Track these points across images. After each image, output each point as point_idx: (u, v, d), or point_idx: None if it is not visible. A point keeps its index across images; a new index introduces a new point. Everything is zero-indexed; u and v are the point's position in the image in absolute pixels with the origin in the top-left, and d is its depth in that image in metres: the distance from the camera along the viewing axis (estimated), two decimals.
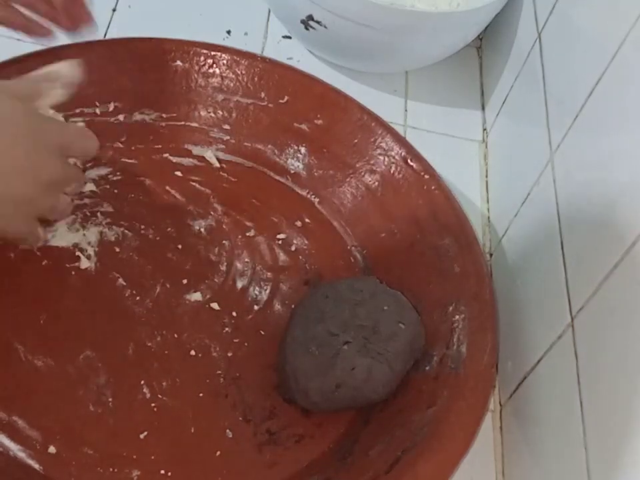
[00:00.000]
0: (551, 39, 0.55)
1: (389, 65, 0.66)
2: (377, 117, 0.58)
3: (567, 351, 0.42)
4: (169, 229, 0.55)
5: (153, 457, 0.45)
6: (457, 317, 0.50)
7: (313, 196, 0.58)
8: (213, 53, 0.59)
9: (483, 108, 0.68)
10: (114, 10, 0.67)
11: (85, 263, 0.52)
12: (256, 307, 0.52)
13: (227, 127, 0.59)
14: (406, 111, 0.67)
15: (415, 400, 0.47)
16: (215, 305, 0.52)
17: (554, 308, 0.45)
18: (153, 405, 0.47)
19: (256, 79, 0.59)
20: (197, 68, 0.59)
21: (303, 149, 0.59)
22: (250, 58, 0.60)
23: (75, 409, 0.46)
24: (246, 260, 0.54)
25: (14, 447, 0.44)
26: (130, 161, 0.57)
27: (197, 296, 0.52)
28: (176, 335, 0.50)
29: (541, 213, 0.50)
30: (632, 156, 0.39)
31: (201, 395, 0.48)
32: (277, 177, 0.59)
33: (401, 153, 0.56)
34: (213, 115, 0.60)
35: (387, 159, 0.57)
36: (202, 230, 0.55)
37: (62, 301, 0.50)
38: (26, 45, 0.61)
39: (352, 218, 0.57)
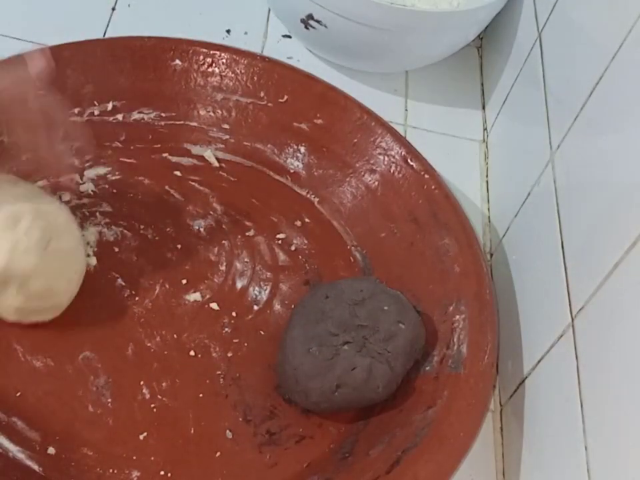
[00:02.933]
0: (551, 38, 0.54)
1: (389, 64, 0.66)
2: (377, 117, 0.58)
3: (567, 351, 0.42)
4: (168, 229, 0.55)
5: (152, 458, 0.45)
6: (457, 316, 0.50)
7: (313, 195, 0.58)
8: (212, 52, 0.59)
9: (483, 107, 0.68)
10: (113, 9, 0.67)
11: None
12: (256, 307, 0.52)
13: (226, 126, 0.59)
14: (406, 110, 0.66)
15: (415, 400, 0.47)
16: (214, 305, 0.52)
17: (554, 308, 0.45)
18: (152, 405, 0.47)
19: (255, 78, 0.59)
20: (196, 67, 0.59)
21: (302, 149, 0.59)
22: (249, 57, 0.60)
23: (74, 410, 0.46)
24: (245, 260, 0.54)
25: (13, 448, 0.44)
26: (129, 160, 0.57)
27: (196, 296, 0.52)
28: (175, 335, 0.50)
29: (541, 212, 0.50)
30: (632, 156, 0.39)
31: (200, 395, 0.48)
32: (277, 177, 0.59)
33: (401, 153, 0.56)
34: (212, 114, 0.59)
35: (386, 158, 0.57)
36: (201, 230, 0.55)
37: None
38: (25, 44, 0.61)
39: (352, 217, 0.57)
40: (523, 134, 0.58)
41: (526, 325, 0.50)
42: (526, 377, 0.48)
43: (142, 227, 0.54)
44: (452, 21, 0.60)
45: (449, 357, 0.48)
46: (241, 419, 0.48)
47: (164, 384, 0.48)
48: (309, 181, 0.58)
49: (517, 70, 0.61)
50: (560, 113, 0.50)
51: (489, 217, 0.61)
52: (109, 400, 0.47)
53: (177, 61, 0.59)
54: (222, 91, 0.59)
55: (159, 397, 0.48)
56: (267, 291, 0.53)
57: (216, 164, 0.59)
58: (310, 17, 0.61)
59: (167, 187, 0.57)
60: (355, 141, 0.58)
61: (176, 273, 0.53)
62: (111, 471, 0.45)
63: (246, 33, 0.68)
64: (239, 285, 0.53)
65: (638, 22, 0.41)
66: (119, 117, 0.58)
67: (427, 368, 0.49)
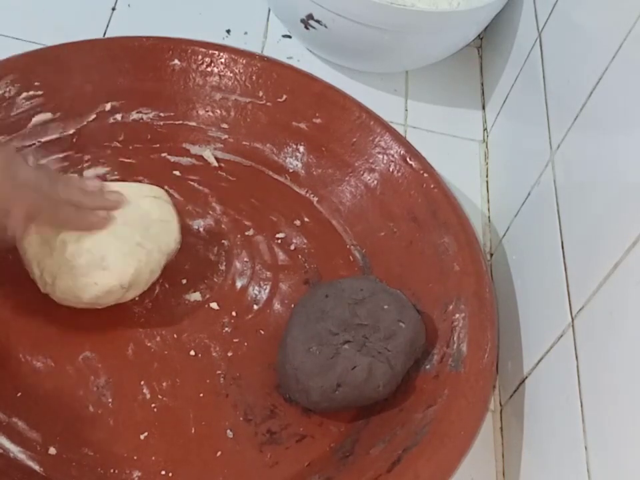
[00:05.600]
0: (551, 38, 0.55)
1: (389, 64, 0.66)
2: (376, 116, 0.58)
3: (567, 351, 0.42)
4: None
5: (153, 458, 0.45)
6: (457, 315, 0.50)
7: (312, 195, 0.58)
8: (210, 52, 0.59)
9: (483, 108, 0.68)
10: (113, 9, 0.67)
11: None
12: (255, 307, 0.52)
13: (225, 125, 0.59)
14: (406, 110, 0.66)
15: (415, 399, 0.47)
16: (214, 305, 0.52)
17: (554, 308, 0.45)
18: (153, 405, 0.47)
19: (254, 77, 0.59)
20: (194, 67, 0.59)
21: (301, 148, 0.59)
22: (248, 57, 0.60)
23: (74, 410, 0.46)
24: (245, 259, 0.54)
25: (14, 449, 0.44)
26: (128, 160, 0.57)
27: (196, 296, 0.52)
28: (175, 335, 0.50)
29: (541, 212, 0.50)
30: (632, 156, 0.39)
31: (201, 395, 0.48)
32: (276, 176, 0.59)
33: (400, 152, 0.56)
34: (211, 113, 0.59)
35: (385, 157, 0.57)
36: (201, 229, 0.55)
37: None
38: (25, 44, 0.61)
39: (351, 217, 0.57)
40: (523, 134, 0.58)
41: (526, 325, 0.50)
42: (526, 377, 0.48)
43: None
44: (452, 21, 0.60)
45: (449, 355, 0.48)
46: (241, 419, 0.48)
47: (164, 384, 0.48)
48: (308, 180, 0.58)
49: (517, 70, 0.61)
50: (560, 113, 0.50)
51: (488, 216, 0.61)
52: (110, 400, 0.47)
53: (176, 61, 0.59)
54: (221, 91, 0.59)
55: (160, 396, 0.48)
56: (267, 291, 0.53)
57: (215, 163, 0.59)
58: (310, 17, 0.61)
59: (166, 187, 0.56)
60: (354, 140, 0.58)
61: (176, 273, 0.52)
62: (112, 471, 0.45)
63: (246, 33, 0.68)
64: (238, 284, 0.53)
65: (638, 22, 0.41)
66: (118, 116, 0.58)
67: (427, 367, 0.49)
